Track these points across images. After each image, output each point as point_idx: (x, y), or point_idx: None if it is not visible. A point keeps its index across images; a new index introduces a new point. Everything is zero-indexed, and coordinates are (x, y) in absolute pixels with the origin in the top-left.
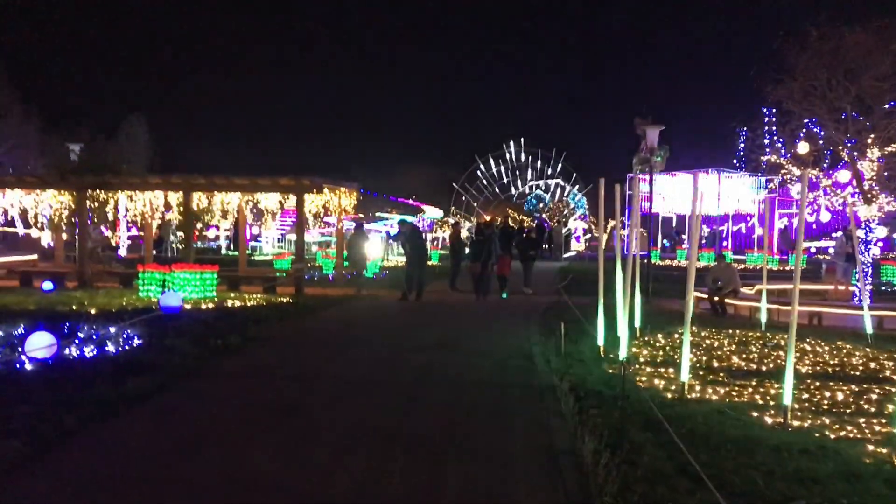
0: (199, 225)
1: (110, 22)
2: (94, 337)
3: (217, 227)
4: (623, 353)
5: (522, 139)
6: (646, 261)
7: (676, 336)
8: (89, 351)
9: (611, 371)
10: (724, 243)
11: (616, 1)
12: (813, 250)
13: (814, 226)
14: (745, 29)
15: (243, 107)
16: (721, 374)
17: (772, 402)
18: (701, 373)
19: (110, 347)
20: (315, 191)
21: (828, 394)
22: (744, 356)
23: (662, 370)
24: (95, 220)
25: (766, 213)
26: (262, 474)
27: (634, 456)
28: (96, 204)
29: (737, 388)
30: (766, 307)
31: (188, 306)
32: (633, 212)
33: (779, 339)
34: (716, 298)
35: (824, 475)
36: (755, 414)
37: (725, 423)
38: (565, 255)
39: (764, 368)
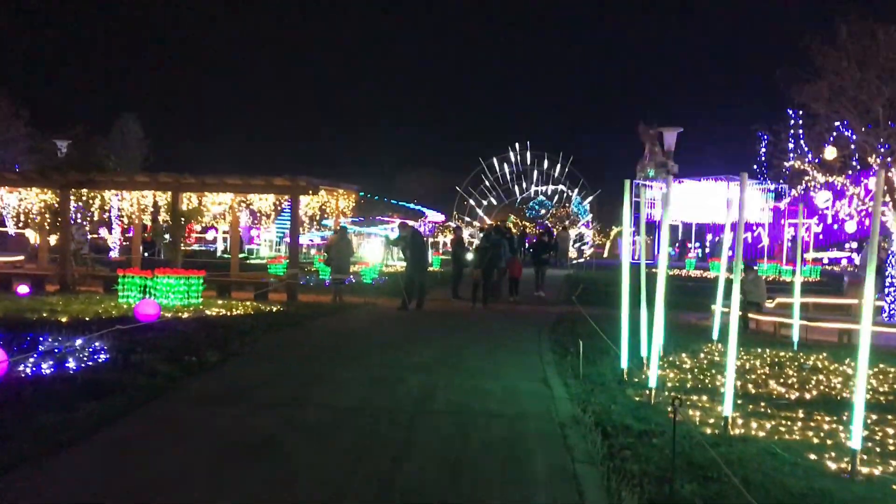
0: (197, 227)
1: (105, 20)
2: (56, 351)
3: (216, 229)
4: (653, 378)
5: (528, 142)
6: (654, 270)
7: (703, 356)
8: (47, 368)
9: (637, 399)
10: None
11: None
12: (825, 261)
13: (820, 236)
14: (766, 28)
15: (244, 107)
16: (762, 404)
17: (829, 442)
18: (739, 401)
19: (71, 364)
20: (311, 192)
21: (891, 430)
22: (781, 381)
23: (695, 397)
24: (79, 219)
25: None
26: None
27: None
28: (81, 202)
29: (783, 422)
30: (798, 323)
31: (169, 315)
32: (641, 217)
33: (815, 360)
34: (740, 313)
35: None
36: (813, 456)
37: (782, 468)
38: (572, 262)
39: (808, 396)
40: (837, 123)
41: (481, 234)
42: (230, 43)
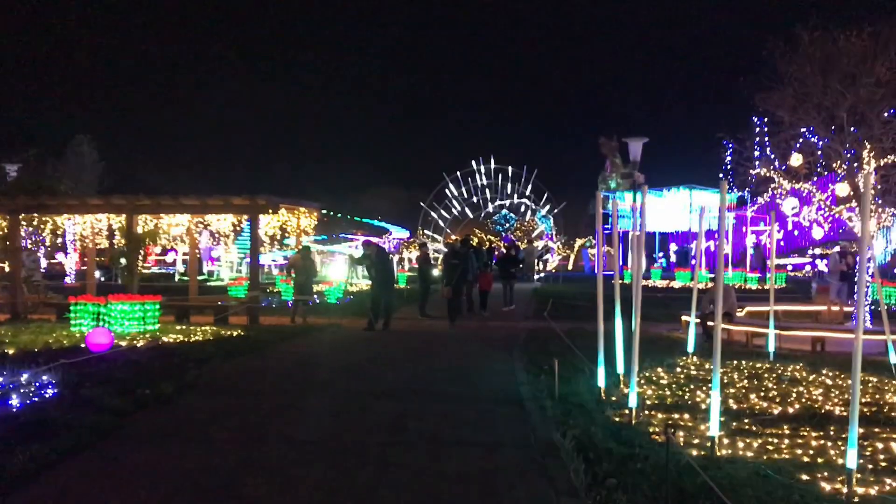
0: (157, 249)
1: (59, 42)
2: None
3: (175, 251)
4: (633, 397)
5: (492, 156)
6: (613, 281)
7: (679, 370)
8: None
9: (617, 419)
10: (693, 261)
11: (589, 8)
12: (789, 268)
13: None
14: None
15: (203, 129)
16: (746, 420)
17: (819, 460)
18: (722, 418)
19: (14, 401)
20: (271, 211)
21: (880, 445)
22: (762, 394)
23: (676, 415)
24: (31, 245)
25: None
26: None
27: None
28: (32, 227)
29: (770, 439)
30: (774, 333)
31: (123, 343)
32: (614, 231)
33: (793, 371)
34: (710, 324)
35: None
36: (805, 477)
37: (776, 492)
38: (539, 276)
39: (791, 410)
40: (804, 130)
41: (445, 249)
42: (190, 63)
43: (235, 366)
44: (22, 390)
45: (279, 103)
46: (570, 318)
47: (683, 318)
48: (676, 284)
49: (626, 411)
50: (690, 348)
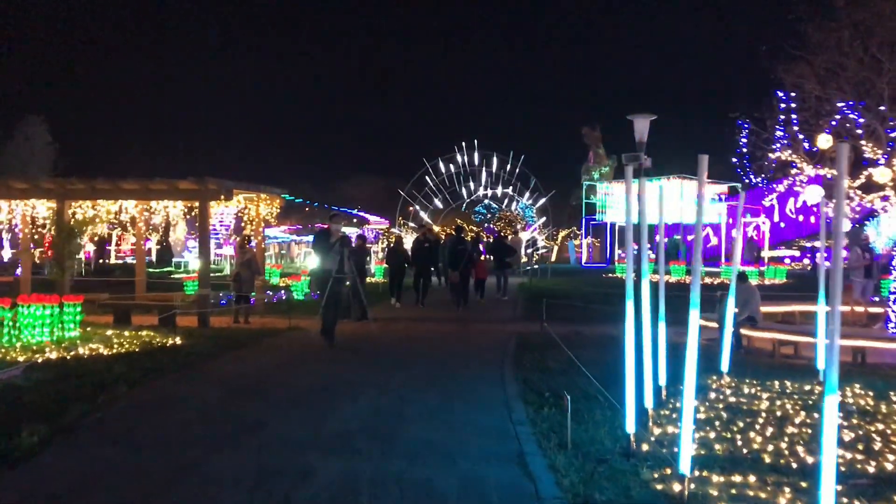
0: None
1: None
2: None
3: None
4: (685, 457)
5: (476, 141)
6: (605, 275)
7: (713, 396)
8: None
9: (660, 487)
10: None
11: None
12: (787, 262)
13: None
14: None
15: (165, 111)
16: (839, 487)
17: None
18: (806, 481)
19: None
20: (223, 197)
21: None
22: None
23: (738, 479)
24: None
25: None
26: None
27: None
28: None
29: None
30: (823, 343)
31: (22, 358)
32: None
33: (854, 397)
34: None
35: None
36: None
37: None
38: (525, 268)
39: (889, 466)
40: (842, 104)
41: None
42: (158, 42)
43: (147, 394)
44: None
45: (257, 88)
46: (564, 320)
47: (702, 321)
48: (670, 279)
49: (669, 471)
50: (725, 366)
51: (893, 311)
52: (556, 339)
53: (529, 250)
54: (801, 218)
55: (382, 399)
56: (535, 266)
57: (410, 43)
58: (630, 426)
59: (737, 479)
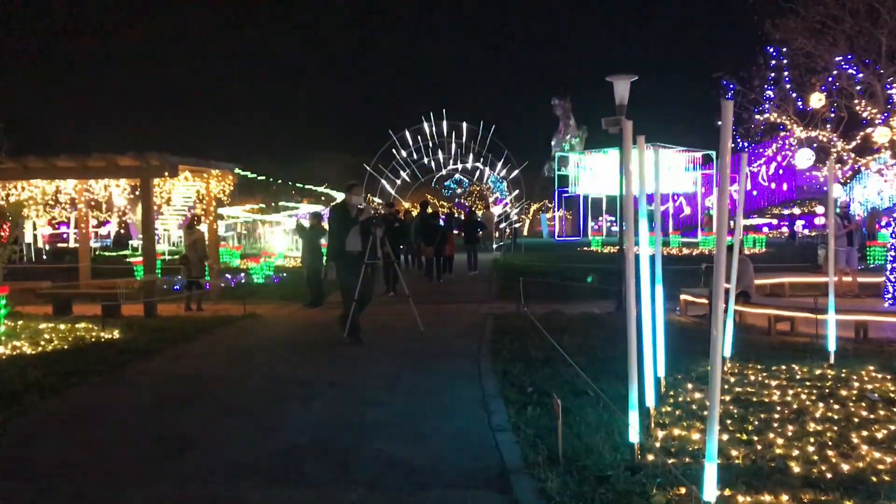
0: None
1: None
2: None
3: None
4: (710, 478)
5: (444, 110)
6: (580, 249)
7: (723, 385)
8: None
9: None
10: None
11: None
12: (765, 231)
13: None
14: None
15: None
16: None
17: None
18: (826, 495)
19: None
20: (167, 174)
21: None
22: (864, 434)
23: (768, 499)
24: None
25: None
26: None
27: None
28: None
29: None
30: (834, 320)
31: None
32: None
33: (870, 380)
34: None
35: None
36: None
37: None
38: (498, 245)
39: None
40: (839, 59)
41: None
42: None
43: (62, 406)
44: None
45: (213, 62)
46: (541, 299)
47: (684, 296)
48: (651, 251)
49: (683, 490)
50: (727, 349)
51: (892, 283)
52: (536, 323)
53: (502, 225)
54: (773, 185)
55: (340, 402)
56: (509, 241)
57: (376, 12)
58: (634, 434)
59: (767, 498)
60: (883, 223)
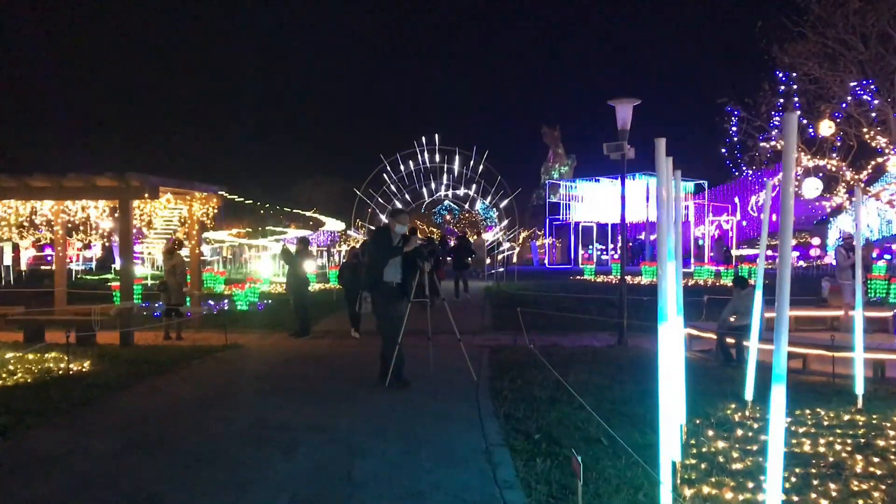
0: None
1: None
2: None
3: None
4: None
5: (437, 136)
6: (573, 278)
7: (741, 433)
8: None
9: None
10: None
11: None
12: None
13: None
14: None
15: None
16: None
17: None
18: None
19: None
20: (148, 195)
21: None
22: None
23: None
24: None
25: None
26: None
27: None
28: None
29: None
30: (862, 358)
31: None
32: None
33: None
34: (730, 340)
35: None
36: None
37: None
38: (490, 271)
39: None
40: (854, 84)
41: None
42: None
43: (14, 451)
44: None
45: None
46: (539, 330)
47: (688, 330)
48: (643, 280)
49: None
50: (749, 393)
51: None
52: (540, 358)
53: (494, 252)
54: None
55: (326, 451)
56: (501, 269)
57: (369, 41)
58: (666, 499)
59: None
60: (874, 255)
